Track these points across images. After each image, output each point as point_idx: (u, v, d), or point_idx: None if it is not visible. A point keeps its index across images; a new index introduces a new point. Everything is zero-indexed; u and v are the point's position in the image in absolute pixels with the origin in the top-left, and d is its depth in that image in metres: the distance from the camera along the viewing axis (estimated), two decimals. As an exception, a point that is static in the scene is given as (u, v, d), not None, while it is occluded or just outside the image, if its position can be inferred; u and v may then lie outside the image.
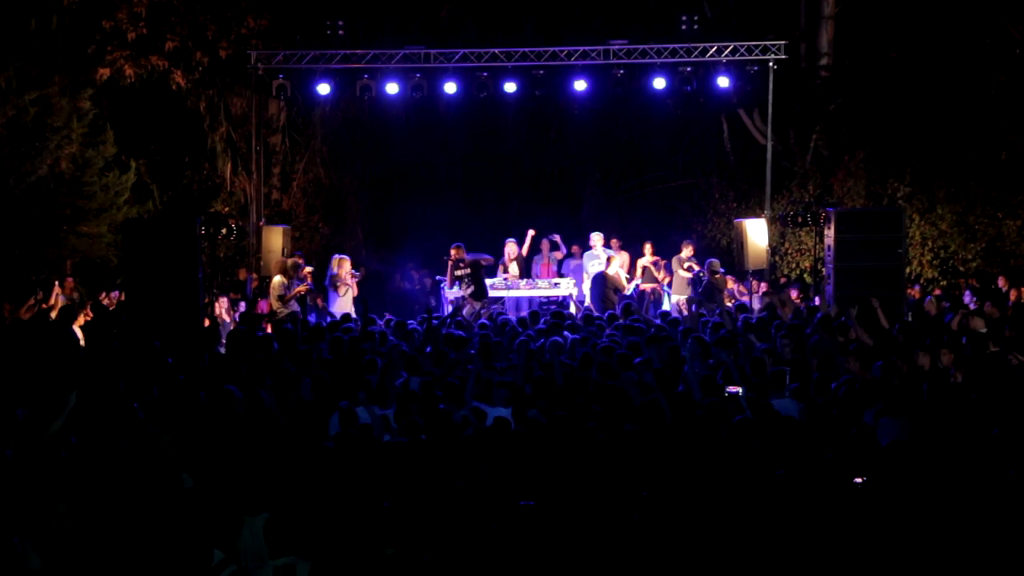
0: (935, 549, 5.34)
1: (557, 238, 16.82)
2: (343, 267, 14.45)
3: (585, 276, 15.77)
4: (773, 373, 8.58)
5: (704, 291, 14.70)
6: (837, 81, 19.56)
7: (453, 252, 14.61)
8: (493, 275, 15.70)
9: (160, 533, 5.09)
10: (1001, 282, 15.80)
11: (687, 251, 15.62)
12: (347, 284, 14.39)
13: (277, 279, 13.76)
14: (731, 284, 15.70)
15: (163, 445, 6.42)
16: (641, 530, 5.44)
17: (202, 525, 5.13)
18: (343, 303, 14.28)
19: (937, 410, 7.38)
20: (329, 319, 12.94)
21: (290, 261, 14.14)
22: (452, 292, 14.82)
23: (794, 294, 15.30)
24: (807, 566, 5.31)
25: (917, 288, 16.23)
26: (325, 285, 14.67)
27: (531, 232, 16.47)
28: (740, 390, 7.58)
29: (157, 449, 6.31)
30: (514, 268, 15.91)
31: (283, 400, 7.88)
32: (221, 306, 14.46)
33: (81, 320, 12.98)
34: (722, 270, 15.06)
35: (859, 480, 5.90)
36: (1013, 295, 14.97)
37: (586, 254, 16.25)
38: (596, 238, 16.23)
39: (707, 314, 12.38)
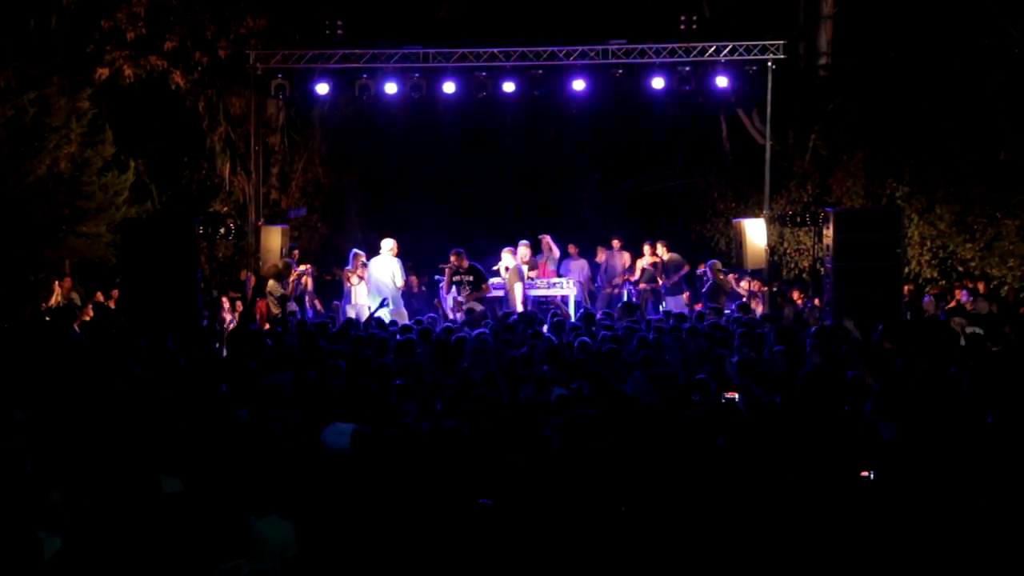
0: (925, 550, 5.35)
1: (548, 239, 16.87)
2: (357, 261, 14.66)
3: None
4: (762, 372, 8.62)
5: (708, 292, 14.73)
6: (836, 81, 19.55)
7: (453, 259, 14.62)
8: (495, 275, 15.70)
9: (153, 536, 5.07)
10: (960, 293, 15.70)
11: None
12: (361, 276, 14.59)
13: (271, 283, 13.90)
14: (732, 281, 15.76)
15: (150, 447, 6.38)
16: (639, 532, 5.44)
17: (198, 528, 5.11)
18: (358, 294, 14.49)
19: (927, 411, 7.36)
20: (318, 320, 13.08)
21: (281, 263, 14.36)
22: (451, 296, 14.84)
23: (795, 294, 15.34)
24: (804, 567, 5.31)
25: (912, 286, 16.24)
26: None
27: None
28: (737, 395, 7.58)
29: (146, 451, 6.27)
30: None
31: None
32: (223, 306, 14.54)
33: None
34: (725, 270, 15.11)
35: (865, 473, 5.86)
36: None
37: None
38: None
39: (713, 315, 12.43)
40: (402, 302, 14.61)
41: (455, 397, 7.75)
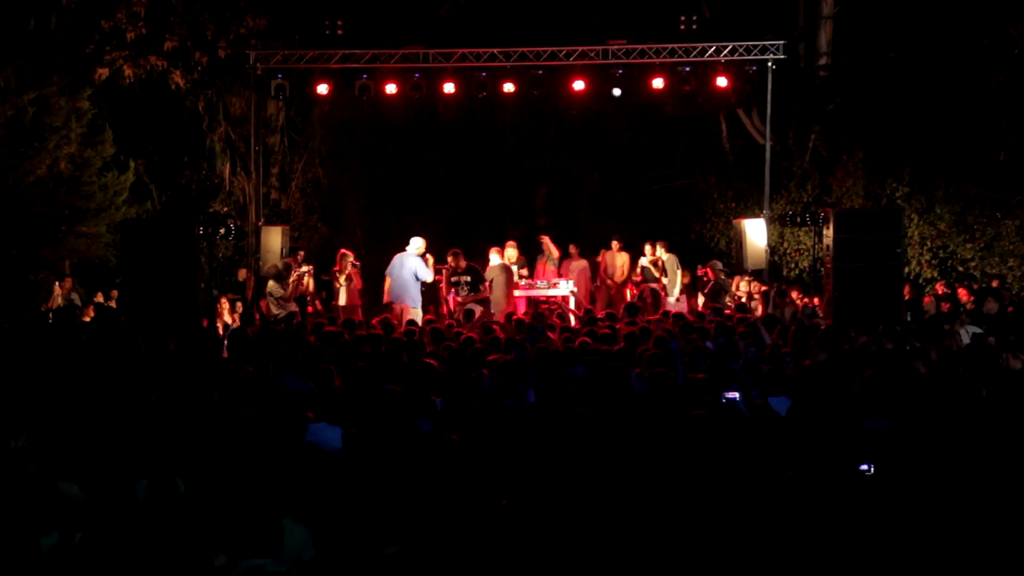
0: (923, 546, 5.36)
1: (548, 239, 16.86)
2: (344, 260, 14.68)
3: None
4: (768, 371, 8.61)
5: (710, 291, 14.75)
6: (836, 81, 19.57)
7: (450, 259, 14.61)
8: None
9: (156, 538, 5.07)
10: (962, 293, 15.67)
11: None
12: (349, 276, 14.63)
13: (271, 284, 13.92)
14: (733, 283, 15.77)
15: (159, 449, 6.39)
16: (639, 530, 5.44)
17: (201, 529, 5.11)
18: (347, 295, 14.50)
19: (921, 410, 7.38)
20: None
21: (282, 263, 14.40)
22: (451, 297, 14.86)
23: (795, 294, 15.33)
24: (805, 564, 5.32)
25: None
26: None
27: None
28: (737, 395, 7.58)
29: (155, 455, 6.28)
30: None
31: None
32: (222, 307, 14.54)
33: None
34: (726, 270, 15.12)
35: (865, 467, 5.85)
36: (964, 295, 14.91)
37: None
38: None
39: (714, 313, 12.45)
40: (420, 302, 14.47)
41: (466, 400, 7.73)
